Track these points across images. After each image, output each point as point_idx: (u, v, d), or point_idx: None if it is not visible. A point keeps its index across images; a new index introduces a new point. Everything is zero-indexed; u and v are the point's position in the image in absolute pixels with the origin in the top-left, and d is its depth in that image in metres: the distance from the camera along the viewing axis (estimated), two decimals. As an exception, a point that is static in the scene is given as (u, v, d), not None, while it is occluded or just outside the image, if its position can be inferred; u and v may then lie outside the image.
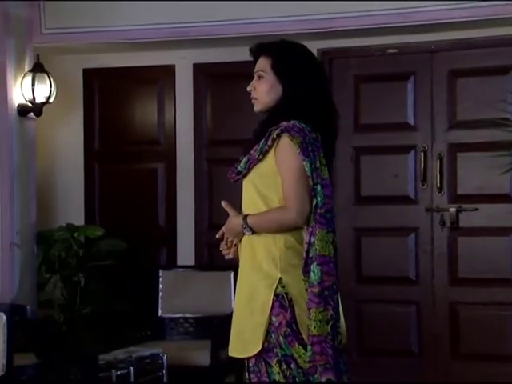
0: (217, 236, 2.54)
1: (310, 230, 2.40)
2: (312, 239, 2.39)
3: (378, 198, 4.85)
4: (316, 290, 2.37)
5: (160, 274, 4.53)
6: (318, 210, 2.40)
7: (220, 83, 5.05)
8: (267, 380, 2.42)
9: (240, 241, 2.50)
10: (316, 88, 2.52)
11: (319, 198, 2.41)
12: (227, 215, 2.54)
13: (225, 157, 4.97)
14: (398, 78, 4.80)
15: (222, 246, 2.53)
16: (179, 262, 5.00)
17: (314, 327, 2.35)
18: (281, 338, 2.40)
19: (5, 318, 2.77)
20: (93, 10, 4.73)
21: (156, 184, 5.19)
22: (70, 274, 4.70)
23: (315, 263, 2.38)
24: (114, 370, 3.34)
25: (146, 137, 5.19)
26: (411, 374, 4.67)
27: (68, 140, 5.26)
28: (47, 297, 4.74)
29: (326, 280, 2.38)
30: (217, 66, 5.03)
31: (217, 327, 4.00)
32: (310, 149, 2.42)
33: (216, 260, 4.81)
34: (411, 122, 4.79)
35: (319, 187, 2.42)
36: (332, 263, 2.42)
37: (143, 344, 4.22)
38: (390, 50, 4.77)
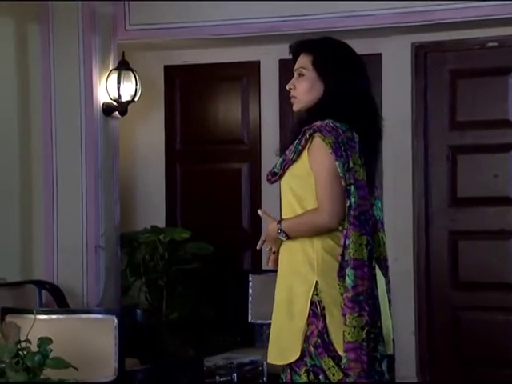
0: (257, 247, 2.61)
1: (345, 232, 2.44)
2: (347, 242, 2.43)
3: (476, 199, 4.88)
4: (350, 294, 2.40)
5: (250, 278, 4.62)
6: (352, 212, 2.42)
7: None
8: None
9: (279, 248, 2.55)
10: (357, 87, 2.54)
11: (353, 200, 2.43)
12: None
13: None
14: (497, 73, 4.83)
15: (267, 254, 2.58)
16: (264, 266, 5.09)
17: (349, 333, 2.38)
18: (311, 348, 2.44)
19: (116, 321, 2.89)
20: (178, 6, 4.86)
21: (240, 185, 5.30)
22: (156, 277, 4.83)
23: (349, 267, 2.41)
24: (217, 376, 3.44)
25: (229, 136, 5.30)
26: (513, 386, 4.69)
27: (148, 139, 5.40)
28: (131, 301, 4.87)
29: (359, 284, 2.40)
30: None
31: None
32: (342, 148, 2.45)
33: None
34: (512, 118, 4.82)
35: (353, 188, 2.44)
36: (366, 267, 2.43)
37: (235, 351, 4.31)
38: (490, 44, 4.81)
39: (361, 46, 4.96)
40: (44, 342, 2.46)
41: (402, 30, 4.71)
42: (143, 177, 5.40)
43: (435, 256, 4.90)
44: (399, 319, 4.90)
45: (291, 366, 2.48)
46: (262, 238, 2.59)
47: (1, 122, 4.56)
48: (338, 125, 2.48)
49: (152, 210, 5.35)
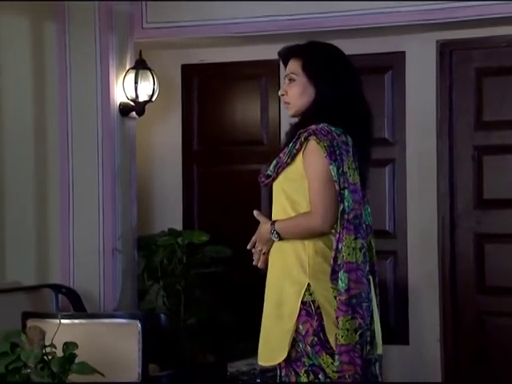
0: (248, 247, 2.70)
1: (338, 236, 2.51)
2: (339, 246, 2.50)
3: (503, 201, 4.87)
4: (343, 297, 2.47)
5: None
6: (346, 216, 2.51)
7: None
8: None
9: (269, 249, 2.62)
10: (349, 89, 2.61)
11: (346, 204, 2.51)
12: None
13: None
14: (525, 71, 4.82)
15: (254, 255, 2.66)
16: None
17: (342, 336, 2.45)
18: (308, 348, 2.50)
19: (139, 325, 2.91)
20: (195, 4, 4.88)
21: (258, 187, 5.28)
22: (174, 281, 4.85)
23: (342, 270, 2.49)
24: (240, 382, 3.46)
25: (247, 136, 5.32)
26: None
27: (165, 140, 5.42)
28: (149, 305, 4.89)
29: (353, 288, 2.48)
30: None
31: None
32: (337, 152, 2.53)
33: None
34: (540, 118, 4.81)
35: (346, 192, 2.52)
36: (360, 270, 2.50)
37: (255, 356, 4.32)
38: (517, 41, 4.80)
39: (384, 44, 5.05)
40: (69, 346, 2.48)
41: (426, 28, 4.72)
42: (160, 178, 5.42)
43: (460, 259, 4.90)
44: (424, 324, 4.92)
45: (293, 368, 2.54)
46: (254, 238, 2.67)
47: (16, 123, 4.59)
48: (332, 128, 2.55)
49: (169, 213, 5.37)
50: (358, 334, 2.46)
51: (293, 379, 2.53)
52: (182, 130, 5.42)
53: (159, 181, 5.42)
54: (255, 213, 2.68)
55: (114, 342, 2.91)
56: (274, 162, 2.62)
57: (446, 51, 4.90)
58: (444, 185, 4.93)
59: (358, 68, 4.98)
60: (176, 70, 5.39)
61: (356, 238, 2.50)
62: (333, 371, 2.48)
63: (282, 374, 2.57)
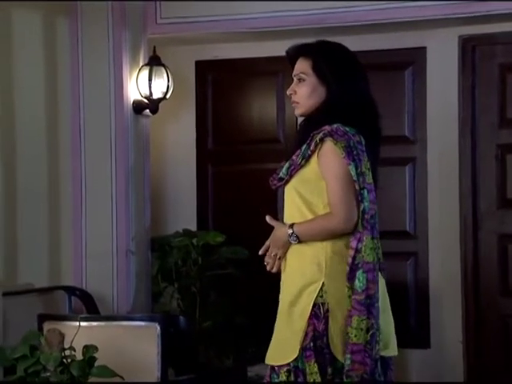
0: (260, 252, 2.75)
1: (359, 236, 2.56)
2: (359, 245, 2.55)
3: (527, 200, 4.87)
4: (360, 297, 2.52)
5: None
6: (365, 216, 2.56)
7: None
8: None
9: (285, 253, 2.67)
10: (358, 88, 2.66)
11: (366, 204, 2.57)
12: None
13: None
14: (552, 67, 4.81)
15: (267, 259, 2.71)
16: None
17: (355, 335, 2.50)
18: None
19: (159, 328, 2.93)
20: (211, -2, 4.89)
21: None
22: (189, 283, 4.86)
23: (361, 270, 2.54)
24: (261, 387, 3.46)
25: (264, 135, 5.30)
26: None
27: (179, 139, 5.42)
28: (162, 308, 4.90)
29: (370, 288, 2.54)
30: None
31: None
32: (354, 153, 2.57)
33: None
34: None
35: (366, 192, 2.57)
36: (375, 270, 2.57)
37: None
38: (543, 36, 4.79)
39: (405, 39, 5.05)
40: (90, 349, 2.50)
41: (448, 22, 4.71)
42: (173, 178, 5.41)
43: (483, 261, 4.89)
44: (446, 327, 4.92)
45: (272, 366, 2.61)
46: (267, 243, 2.70)
47: (28, 121, 4.60)
48: (347, 129, 2.59)
49: (182, 213, 5.37)
50: (370, 334, 2.51)
51: (267, 373, 2.62)
52: (195, 128, 5.41)
53: (172, 180, 5.42)
54: (268, 218, 2.72)
55: (133, 344, 2.92)
56: (287, 164, 2.64)
57: (468, 47, 4.88)
58: (466, 184, 4.91)
59: (377, 64, 4.99)
60: (190, 66, 5.38)
61: (373, 238, 2.57)
62: (313, 380, 2.52)
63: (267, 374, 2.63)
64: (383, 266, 2.68)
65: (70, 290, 4.44)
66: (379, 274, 2.61)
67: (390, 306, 2.68)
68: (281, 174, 2.66)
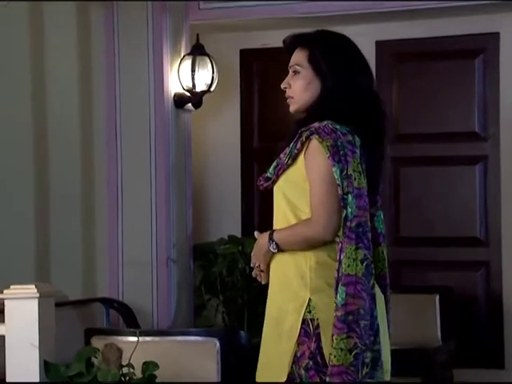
0: (251, 265, 2.69)
1: (340, 245, 2.52)
2: (341, 256, 2.51)
3: None
4: (339, 313, 2.48)
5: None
6: (348, 223, 2.51)
7: (408, 64, 5.14)
8: None
9: (268, 264, 2.63)
10: (358, 85, 2.60)
11: (349, 210, 2.51)
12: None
13: (415, 154, 5.07)
14: None
15: (254, 272, 2.67)
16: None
17: (335, 356, 2.46)
18: (302, 371, 2.52)
19: (218, 344, 2.94)
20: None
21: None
22: (235, 295, 4.86)
23: (340, 283, 2.50)
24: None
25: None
26: None
27: (222, 135, 5.42)
28: (206, 323, 4.92)
29: (350, 303, 2.48)
30: (404, 44, 5.12)
31: (427, 363, 4.10)
32: (341, 153, 2.53)
33: (412, 280, 4.88)
34: None
35: (350, 197, 2.52)
36: (360, 284, 2.51)
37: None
38: None
39: (475, 25, 4.99)
40: (150, 367, 2.51)
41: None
42: (216, 179, 5.41)
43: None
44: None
45: None
46: (252, 253, 2.66)
47: (61, 119, 4.63)
48: (337, 127, 2.55)
49: (226, 217, 5.36)
50: (353, 354, 2.47)
51: None
52: (240, 123, 5.41)
53: (215, 181, 5.42)
54: (256, 234, 2.69)
55: (190, 361, 2.91)
56: (274, 163, 2.64)
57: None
58: (544, 185, 4.89)
59: (444, 52, 4.94)
60: (234, 55, 5.38)
61: (357, 248, 2.51)
62: None
63: None
64: (384, 282, 2.65)
65: (108, 303, 4.46)
66: (376, 288, 2.56)
67: (387, 328, 2.62)
68: (268, 174, 2.65)
